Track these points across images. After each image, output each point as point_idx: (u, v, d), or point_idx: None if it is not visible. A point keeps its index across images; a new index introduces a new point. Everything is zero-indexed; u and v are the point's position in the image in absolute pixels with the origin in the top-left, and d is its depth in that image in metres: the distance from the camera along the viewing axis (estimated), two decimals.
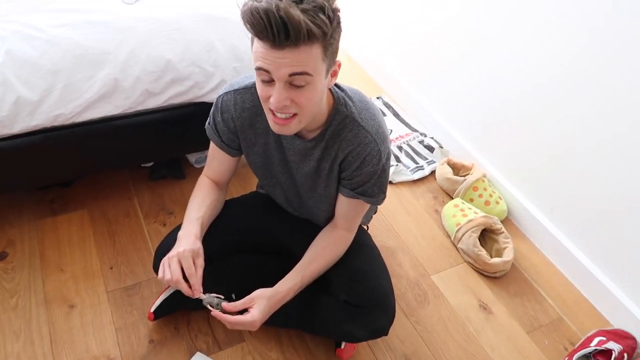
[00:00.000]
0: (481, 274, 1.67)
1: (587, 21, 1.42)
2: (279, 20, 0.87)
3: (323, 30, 0.91)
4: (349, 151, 1.13)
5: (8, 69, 1.36)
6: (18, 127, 1.40)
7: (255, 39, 0.94)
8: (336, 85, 1.16)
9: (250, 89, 1.17)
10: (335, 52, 0.99)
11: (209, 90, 1.58)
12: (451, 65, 2.01)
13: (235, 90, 1.18)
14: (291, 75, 0.94)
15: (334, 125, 1.12)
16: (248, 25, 0.92)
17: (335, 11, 0.94)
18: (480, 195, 1.85)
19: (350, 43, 2.69)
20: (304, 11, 0.88)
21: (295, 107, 0.99)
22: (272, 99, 0.97)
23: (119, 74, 1.45)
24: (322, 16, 0.90)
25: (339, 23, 0.95)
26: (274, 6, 0.86)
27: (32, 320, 1.41)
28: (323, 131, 1.13)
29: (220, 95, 1.21)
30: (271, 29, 0.88)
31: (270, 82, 0.97)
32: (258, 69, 0.96)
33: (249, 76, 1.19)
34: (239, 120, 1.19)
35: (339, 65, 1.04)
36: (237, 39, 1.58)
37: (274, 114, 1.01)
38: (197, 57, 1.53)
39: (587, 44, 1.44)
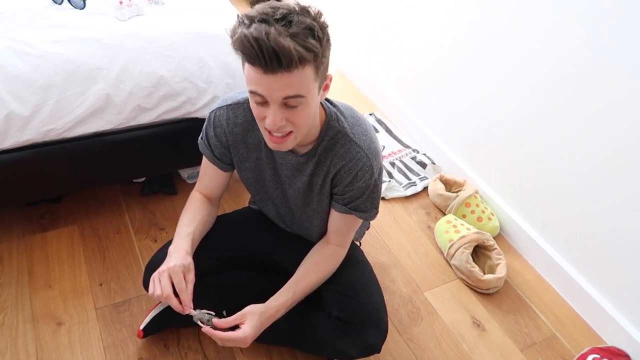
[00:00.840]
0: (474, 290, 1.66)
1: (574, 37, 1.44)
2: (270, 49, 0.87)
3: (314, 53, 0.92)
4: (341, 166, 1.14)
5: (0, 84, 1.35)
6: (9, 142, 1.40)
7: (247, 64, 0.95)
8: (328, 101, 1.16)
9: (243, 104, 1.18)
10: (326, 68, 1.00)
11: (202, 106, 1.58)
12: (443, 81, 2.03)
13: (227, 106, 1.19)
14: (285, 98, 0.95)
15: (326, 141, 1.13)
16: (240, 53, 0.93)
17: (324, 28, 0.95)
18: (473, 212, 1.85)
19: (342, 60, 2.72)
20: (293, 36, 0.89)
21: (290, 125, 1.00)
22: (268, 120, 0.98)
23: (111, 90, 1.45)
24: (311, 40, 0.91)
25: (328, 40, 0.96)
26: (264, 34, 0.87)
27: (18, 338, 1.38)
28: (315, 146, 1.13)
29: (212, 111, 1.21)
30: (263, 57, 0.89)
31: (264, 103, 0.98)
32: (252, 92, 0.97)
33: (242, 92, 1.20)
34: (231, 135, 1.19)
35: (330, 79, 1.05)
36: (229, 56, 1.59)
37: (270, 132, 1.02)
38: (190, 73, 1.54)
39: (575, 58, 1.46)
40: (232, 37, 0.93)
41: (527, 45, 1.60)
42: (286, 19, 0.90)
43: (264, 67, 0.90)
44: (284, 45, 0.87)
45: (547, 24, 1.52)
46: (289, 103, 0.96)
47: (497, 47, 1.72)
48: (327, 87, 1.06)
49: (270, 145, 1.06)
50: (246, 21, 0.91)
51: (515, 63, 1.66)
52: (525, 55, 1.62)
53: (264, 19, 0.90)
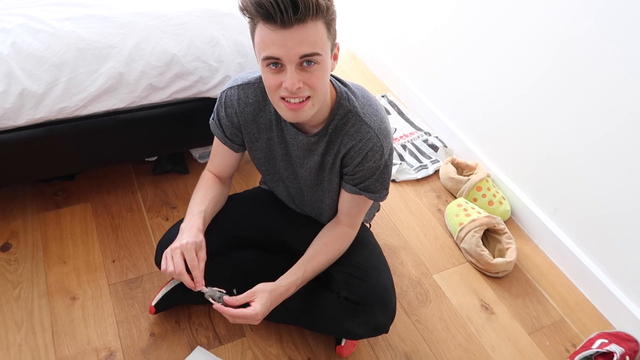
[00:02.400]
0: (483, 274, 1.66)
1: (587, 18, 1.41)
2: None
3: (326, 4, 0.93)
4: (351, 146, 1.13)
5: (13, 61, 1.36)
6: (23, 120, 1.41)
7: (260, 27, 0.94)
8: (339, 80, 1.16)
9: (254, 84, 1.17)
10: (335, 32, 1.01)
11: (213, 86, 1.58)
12: (456, 64, 2.01)
13: (238, 86, 1.18)
14: (302, 57, 0.95)
15: (336, 120, 1.12)
16: (253, 9, 0.92)
17: None
18: (484, 195, 1.84)
19: (355, 41, 2.69)
20: None
21: (308, 89, 0.99)
22: (286, 82, 0.97)
23: (124, 68, 1.45)
24: None
25: (333, 3, 0.98)
26: None
27: (34, 312, 1.41)
28: (326, 125, 1.13)
29: (224, 91, 1.21)
30: (278, 6, 0.89)
31: (279, 69, 0.97)
32: (267, 58, 0.96)
33: (253, 72, 1.20)
34: (242, 115, 1.19)
35: (338, 48, 1.06)
36: (241, 35, 1.58)
37: (286, 101, 1.01)
38: (202, 52, 1.53)
39: (589, 41, 1.43)
40: None
41: (540, 28, 1.57)
42: None
43: (280, 19, 0.90)
44: None
45: (560, 5, 1.49)
46: (305, 64, 0.96)
47: (510, 29, 1.69)
48: (336, 57, 1.06)
49: (287, 115, 1.04)
50: None
51: (529, 46, 1.64)
52: (538, 38, 1.59)
53: None
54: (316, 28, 0.93)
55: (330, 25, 0.97)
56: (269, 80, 1.01)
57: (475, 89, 1.94)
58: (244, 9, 0.95)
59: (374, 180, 1.17)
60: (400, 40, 2.34)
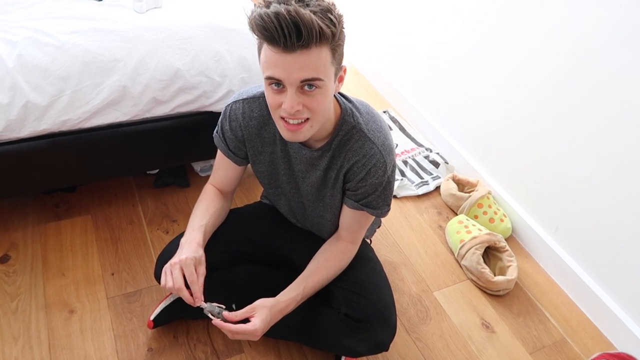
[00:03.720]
0: (484, 292, 1.65)
1: (591, 41, 1.42)
2: (290, 22, 0.89)
3: (332, 31, 0.93)
4: (354, 162, 1.13)
5: (18, 73, 1.37)
6: (26, 131, 1.41)
7: (265, 48, 0.95)
8: (344, 96, 1.16)
9: (259, 98, 1.18)
10: (341, 56, 1.01)
11: (217, 100, 1.59)
12: (457, 81, 2.02)
13: (243, 100, 1.19)
14: (303, 81, 0.95)
15: (340, 135, 1.13)
16: (258, 31, 0.93)
17: (340, 15, 0.96)
18: (485, 213, 1.84)
19: (357, 57, 2.71)
20: (313, 13, 0.90)
21: (307, 111, 1.00)
22: (285, 104, 0.98)
23: (128, 81, 1.46)
24: (330, 16, 0.93)
25: (343, 28, 0.98)
26: (283, 9, 0.89)
27: (31, 325, 1.40)
28: (330, 141, 1.13)
29: (228, 104, 1.21)
30: (282, 31, 0.89)
31: (281, 89, 0.98)
32: (269, 78, 0.97)
33: (257, 86, 1.21)
34: (246, 128, 1.20)
35: (345, 71, 1.06)
36: (245, 50, 1.60)
37: (285, 121, 1.02)
38: (206, 67, 1.54)
39: (592, 63, 1.44)
40: (250, 18, 0.94)
41: (548, 47, 1.59)
42: (303, 1, 0.93)
43: (283, 44, 0.91)
44: (304, 16, 0.89)
45: (567, 26, 1.50)
46: (306, 87, 0.96)
47: (513, 48, 1.71)
48: (341, 79, 1.06)
49: (286, 135, 1.05)
50: (264, 4, 0.93)
51: (531, 64, 1.65)
52: (541, 57, 1.60)
53: (282, 1, 0.92)
54: (320, 54, 0.94)
55: (336, 50, 0.97)
56: (271, 99, 1.02)
57: (477, 107, 1.95)
58: (251, 29, 0.96)
59: (377, 197, 1.17)
60: (403, 56, 2.36)
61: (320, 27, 0.90)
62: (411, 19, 2.23)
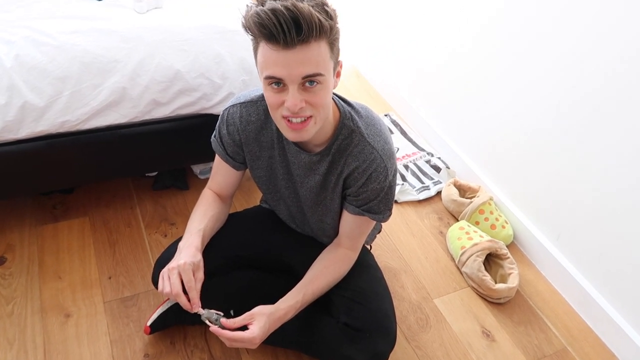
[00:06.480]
0: (485, 299, 1.63)
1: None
2: (289, 17, 0.88)
3: (330, 24, 0.92)
4: (354, 167, 1.12)
5: (16, 73, 1.35)
6: (23, 133, 1.40)
7: (262, 47, 0.94)
8: (343, 100, 1.15)
9: (257, 102, 1.16)
10: (338, 51, 1.00)
11: (217, 102, 1.57)
12: (459, 86, 2.00)
13: (241, 103, 1.18)
14: (304, 77, 0.94)
15: (340, 139, 1.11)
16: (255, 29, 0.92)
17: (334, 10, 0.96)
18: (486, 219, 1.82)
19: (359, 60, 2.70)
20: (310, 7, 0.89)
21: (310, 108, 0.98)
22: (288, 102, 0.96)
23: (127, 83, 1.45)
24: (326, 9, 0.93)
25: (337, 23, 0.97)
26: (280, 5, 0.88)
27: (26, 329, 1.38)
28: (329, 145, 1.12)
29: (226, 108, 1.20)
30: (281, 27, 0.88)
31: (281, 88, 0.96)
32: (269, 77, 0.95)
33: (255, 90, 1.19)
34: (244, 133, 1.18)
35: (341, 66, 1.05)
36: (246, 52, 1.58)
37: (288, 120, 1.00)
38: (206, 69, 1.53)
39: (596, 70, 1.43)
40: (245, 16, 0.92)
41: (548, 59, 1.57)
42: None
43: (283, 40, 0.89)
44: (303, 9, 0.88)
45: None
46: (307, 84, 0.95)
47: (516, 54, 1.69)
48: (339, 74, 1.05)
49: (290, 135, 1.03)
50: (259, 1, 0.92)
51: (536, 72, 1.63)
52: (545, 68, 1.59)
53: None
54: (319, 48, 0.93)
55: (333, 44, 0.96)
56: (271, 99, 1.00)
57: (479, 112, 1.93)
58: (246, 28, 0.94)
59: (378, 202, 1.16)
60: (406, 59, 2.35)
61: (320, 20, 0.89)
62: (414, 20, 2.21)
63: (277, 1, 0.89)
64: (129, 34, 1.48)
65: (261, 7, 0.89)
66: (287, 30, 0.88)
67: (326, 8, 0.93)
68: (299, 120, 0.99)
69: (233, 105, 1.19)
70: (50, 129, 1.42)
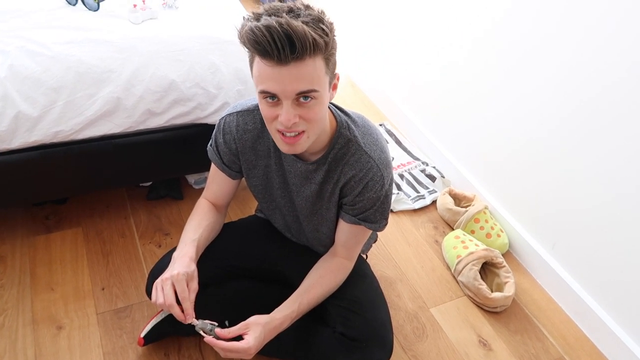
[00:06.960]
0: (481, 308, 1.63)
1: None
2: (283, 35, 0.87)
3: (325, 41, 0.92)
4: (351, 176, 1.12)
5: (10, 83, 1.35)
6: (17, 143, 1.39)
7: (257, 61, 0.94)
8: (339, 109, 1.15)
9: (253, 111, 1.16)
10: (335, 64, 1.00)
11: (212, 112, 1.57)
12: (455, 95, 2.01)
13: (237, 112, 1.18)
14: (298, 94, 0.94)
15: (336, 149, 1.11)
16: (250, 46, 0.92)
17: (331, 23, 0.95)
18: (482, 228, 1.82)
19: (354, 70, 2.71)
20: (304, 23, 0.89)
21: (303, 123, 0.98)
22: (281, 117, 0.96)
23: (122, 93, 1.44)
24: (322, 25, 0.92)
25: (334, 36, 0.97)
26: (275, 22, 0.87)
27: (17, 341, 1.36)
28: (326, 154, 1.12)
29: (222, 117, 1.20)
30: (275, 44, 0.88)
31: (276, 102, 0.96)
32: (263, 92, 0.95)
33: (252, 99, 1.19)
34: (240, 142, 1.18)
35: (338, 78, 1.05)
36: (241, 62, 1.58)
37: (282, 134, 1.00)
38: (201, 79, 1.53)
39: (589, 80, 1.44)
40: (240, 32, 0.92)
41: (544, 68, 1.58)
42: (294, 12, 0.91)
43: (277, 57, 0.89)
44: (297, 28, 0.87)
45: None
46: (301, 99, 0.95)
47: (510, 66, 1.70)
48: (335, 87, 1.05)
49: (283, 147, 1.04)
50: (254, 17, 0.92)
51: (533, 82, 1.64)
52: (542, 76, 1.60)
53: (272, 13, 0.91)
54: (314, 64, 0.92)
55: (329, 59, 0.96)
56: (266, 112, 1.00)
57: (474, 121, 1.94)
58: (242, 43, 0.94)
59: (374, 211, 1.15)
60: (400, 69, 2.36)
61: (314, 38, 0.89)
62: (409, 30, 2.23)
63: (273, 17, 0.88)
64: (123, 44, 1.48)
65: (255, 23, 0.89)
66: (280, 48, 0.88)
67: (322, 25, 0.92)
68: (292, 134, 1.00)
69: (230, 114, 1.19)
70: (43, 139, 1.41)
